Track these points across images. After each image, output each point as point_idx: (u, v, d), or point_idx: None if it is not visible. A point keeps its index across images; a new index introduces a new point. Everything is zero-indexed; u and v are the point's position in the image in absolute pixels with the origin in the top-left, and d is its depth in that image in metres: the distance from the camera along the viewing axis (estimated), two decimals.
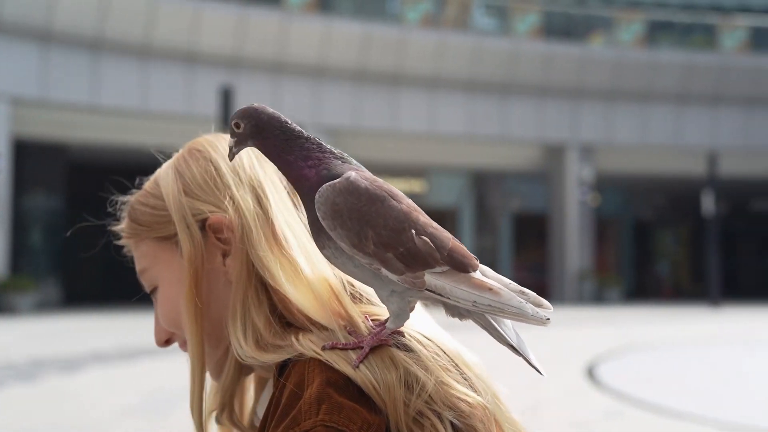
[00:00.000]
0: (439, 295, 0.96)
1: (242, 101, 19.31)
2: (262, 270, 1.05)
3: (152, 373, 10.25)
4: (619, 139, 28.16)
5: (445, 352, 1.02)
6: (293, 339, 1.00)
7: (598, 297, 27.50)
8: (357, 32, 24.45)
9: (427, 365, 0.98)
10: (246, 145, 1.02)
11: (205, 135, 1.18)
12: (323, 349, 0.98)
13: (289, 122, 1.02)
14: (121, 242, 1.18)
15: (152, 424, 7.04)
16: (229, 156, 1.03)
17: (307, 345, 0.98)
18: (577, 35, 28.13)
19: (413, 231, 0.95)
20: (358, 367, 0.95)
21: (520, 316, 0.95)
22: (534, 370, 0.98)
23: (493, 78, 26.22)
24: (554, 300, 25.26)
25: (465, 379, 1.01)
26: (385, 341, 0.98)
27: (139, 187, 1.18)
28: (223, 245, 1.10)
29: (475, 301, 0.95)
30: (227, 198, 1.09)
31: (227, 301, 1.09)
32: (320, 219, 0.96)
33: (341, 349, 0.97)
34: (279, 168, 1.01)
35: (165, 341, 1.15)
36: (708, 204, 27.07)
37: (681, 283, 35.55)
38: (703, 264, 30.72)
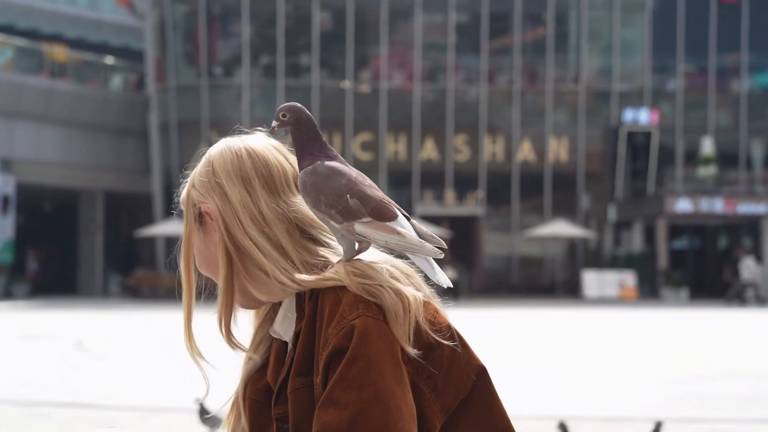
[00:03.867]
0: (365, 237, 1.41)
1: None
2: (242, 246, 1.45)
3: None
4: None
5: (398, 269, 1.44)
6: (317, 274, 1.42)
7: None
8: None
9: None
10: (284, 128, 1.45)
11: (225, 138, 1.52)
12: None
13: (315, 124, 1.45)
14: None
15: None
16: (271, 131, 1.49)
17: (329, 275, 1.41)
18: None
19: (348, 195, 1.40)
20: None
21: (420, 251, 1.40)
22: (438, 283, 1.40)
23: None
24: None
25: (411, 284, 1.44)
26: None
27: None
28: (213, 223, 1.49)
29: (387, 241, 1.40)
30: (214, 194, 1.47)
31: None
32: (299, 191, 1.45)
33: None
34: (295, 150, 1.45)
35: None
36: None
37: None
38: None
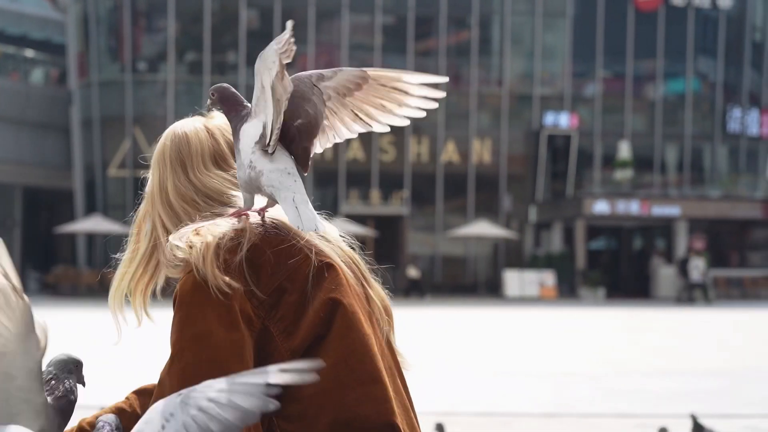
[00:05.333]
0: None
1: None
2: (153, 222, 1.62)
3: None
4: None
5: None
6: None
7: None
8: None
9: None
10: (216, 107, 1.61)
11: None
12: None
13: (240, 100, 1.57)
14: None
15: None
16: (207, 108, 1.65)
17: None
18: None
19: None
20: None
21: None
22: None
23: None
24: None
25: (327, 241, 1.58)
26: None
27: None
28: None
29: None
30: (149, 176, 1.65)
31: None
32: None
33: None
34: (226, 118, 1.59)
35: None
36: None
37: None
38: None
